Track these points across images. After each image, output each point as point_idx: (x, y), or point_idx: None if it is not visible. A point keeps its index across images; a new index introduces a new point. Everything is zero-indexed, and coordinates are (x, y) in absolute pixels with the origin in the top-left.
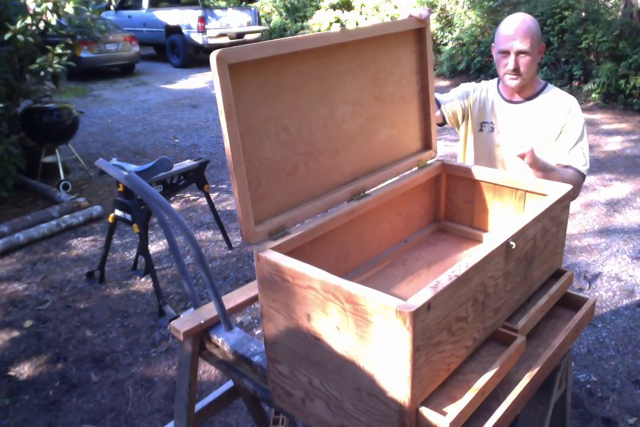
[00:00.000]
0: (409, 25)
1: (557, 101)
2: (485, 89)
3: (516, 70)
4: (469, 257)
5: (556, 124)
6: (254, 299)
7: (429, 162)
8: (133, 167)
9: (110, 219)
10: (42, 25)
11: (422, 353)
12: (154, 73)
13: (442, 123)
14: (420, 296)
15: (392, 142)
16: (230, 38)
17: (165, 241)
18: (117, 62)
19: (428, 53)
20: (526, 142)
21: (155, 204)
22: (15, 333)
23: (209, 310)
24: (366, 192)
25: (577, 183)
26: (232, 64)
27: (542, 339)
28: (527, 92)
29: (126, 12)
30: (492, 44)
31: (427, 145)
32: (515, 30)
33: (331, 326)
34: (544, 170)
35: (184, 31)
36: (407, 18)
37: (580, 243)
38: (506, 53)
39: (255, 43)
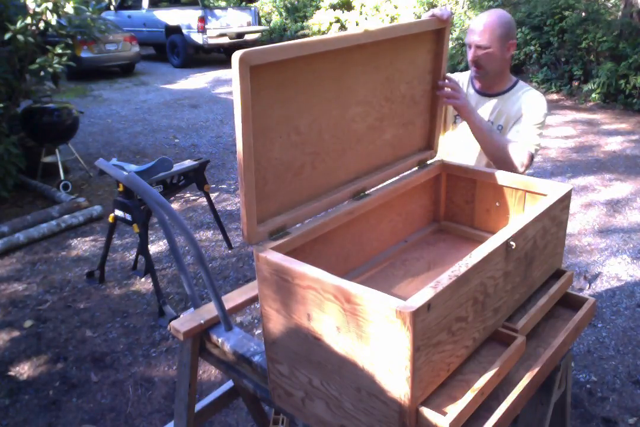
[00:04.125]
0: (429, 26)
1: (524, 97)
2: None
3: (475, 63)
4: (469, 257)
5: (519, 116)
6: (254, 299)
7: (429, 162)
8: (133, 167)
9: (110, 219)
10: (42, 25)
11: (422, 353)
12: (154, 73)
13: None
14: (420, 296)
15: (397, 141)
16: (230, 38)
17: (165, 241)
18: (117, 62)
19: (444, 54)
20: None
21: (155, 204)
22: (15, 333)
23: (209, 310)
24: (366, 192)
25: (522, 159)
26: (254, 66)
27: (542, 339)
28: (498, 87)
29: (126, 12)
30: None
31: (429, 145)
32: (477, 24)
33: (331, 326)
34: (481, 125)
35: (184, 31)
36: (428, 18)
37: (580, 243)
38: (469, 46)
39: (278, 44)
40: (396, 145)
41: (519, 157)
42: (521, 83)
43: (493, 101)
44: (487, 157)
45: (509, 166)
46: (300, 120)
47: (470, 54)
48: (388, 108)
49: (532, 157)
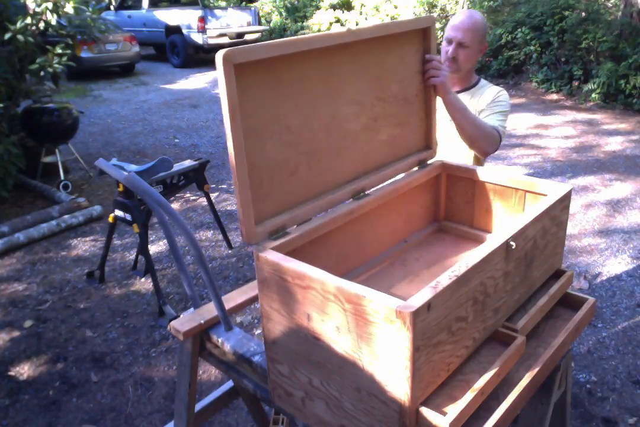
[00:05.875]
0: (413, 25)
1: (488, 92)
2: None
3: (454, 59)
4: (469, 257)
5: (485, 108)
6: (254, 299)
7: (429, 162)
8: (133, 167)
9: (110, 219)
10: (42, 25)
11: (422, 353)
12: (154, 73)
13: None
14: (420, 296)
15: (394, 141)
16: (230, 38)
17: (165, 241)
18: (117, 62)
19: (432, 52)
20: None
21: (155, 204)
22: (15, 333)
23: (209, 310)
24: (366, 192)
25: (495, 138)
26: (238, 64)
27: (542, 339)
28: (464, 84)
29: (126, 12)
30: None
31: (427, 145)
32: (461, 22)
33: (331, 326)
34: (457, 104)
35: (184, 31)
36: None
37: (580, 243)
38: (449, 42)
39: (262, 43)
40: (393, 145)
41: (491, 136)
42: (483, 80)
43: (460, 96)
44: (463, 137)
45: (483, 145)
46: (291, 120)
47: (450, 50)
48: (381, 107)
49: (500, 138)
